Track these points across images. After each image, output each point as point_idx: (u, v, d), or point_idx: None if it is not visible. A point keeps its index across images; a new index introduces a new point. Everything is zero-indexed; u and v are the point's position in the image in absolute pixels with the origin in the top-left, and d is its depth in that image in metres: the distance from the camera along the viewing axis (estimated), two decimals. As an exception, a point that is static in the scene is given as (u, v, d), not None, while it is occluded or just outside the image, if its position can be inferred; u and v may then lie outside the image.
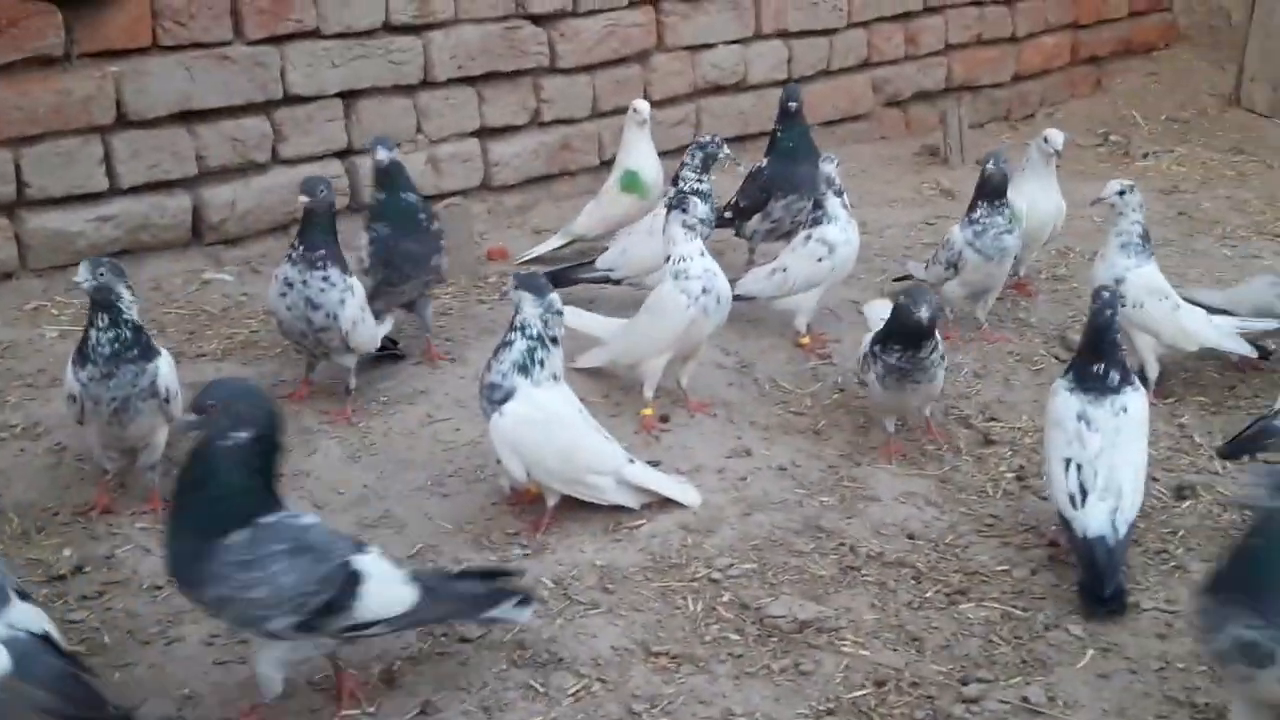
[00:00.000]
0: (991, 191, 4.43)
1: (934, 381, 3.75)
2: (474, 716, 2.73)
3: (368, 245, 4.18)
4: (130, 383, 3.25)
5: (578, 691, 2.81)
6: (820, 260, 4.38)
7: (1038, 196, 4.88)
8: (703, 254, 3.88)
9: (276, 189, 5.13)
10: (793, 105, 4.97)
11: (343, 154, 5.33)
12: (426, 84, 5.46)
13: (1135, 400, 3.35)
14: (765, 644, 2.99)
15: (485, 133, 5.67)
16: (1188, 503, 3.59)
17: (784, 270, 4.42)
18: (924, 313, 3.58)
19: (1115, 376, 3.34)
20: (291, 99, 5.13)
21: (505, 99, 5.68)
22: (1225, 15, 7.89)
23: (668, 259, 3.91)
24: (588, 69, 5.88)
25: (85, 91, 4.67)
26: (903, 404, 3.81)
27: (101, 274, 3.22)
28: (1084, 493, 3.18)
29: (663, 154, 6.04)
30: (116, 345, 3.24)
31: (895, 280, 4.90)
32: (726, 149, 4.64)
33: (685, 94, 6.16)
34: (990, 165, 4.44)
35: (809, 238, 4.42)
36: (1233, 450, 3.81)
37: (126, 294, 3.28)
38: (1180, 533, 3.45)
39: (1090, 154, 6.98)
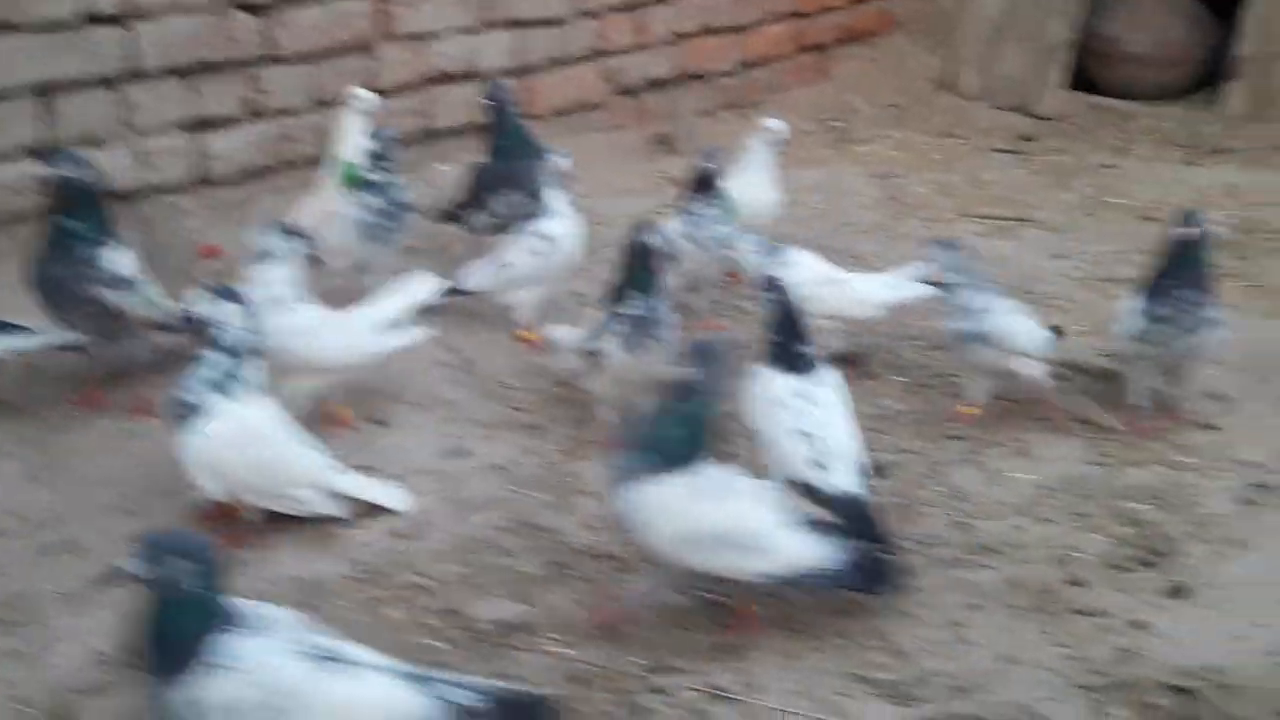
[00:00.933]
0: (703, 185, 4.56)
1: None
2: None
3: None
4: None
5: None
6: (540, 255, 4.42)
7: (754, 187, 5.05)
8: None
9: (-34, 189, 4.83)
10: (505, 98, 4.98)
11: (39, 153, 5.05)
12: (133, 76, 5.23)
13: (835, 378, 3.53)
14: (470, 649, 3.01)
15: (199, 125, 5.47)
16: (887, 481, 3.79)
17: (505, 264, 4.44)
18: (651, 237, 3.78)
19: (812, 357, 3.51)
20: (-20, 94, 4.83)
21: (220, 90, 5.49)
22: (937, 2, 8.29)
23: None
24: (308, 59, 5.74)
25: None
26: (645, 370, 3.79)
27: None
28: (823, 461, 3.31)
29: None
30: None
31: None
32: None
33: (414, 83, 6.09)
34: (704, 161, 4.58)
35: (530, 232, 4.45)
36: None
37: None
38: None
39: (813, 139, 7.25)
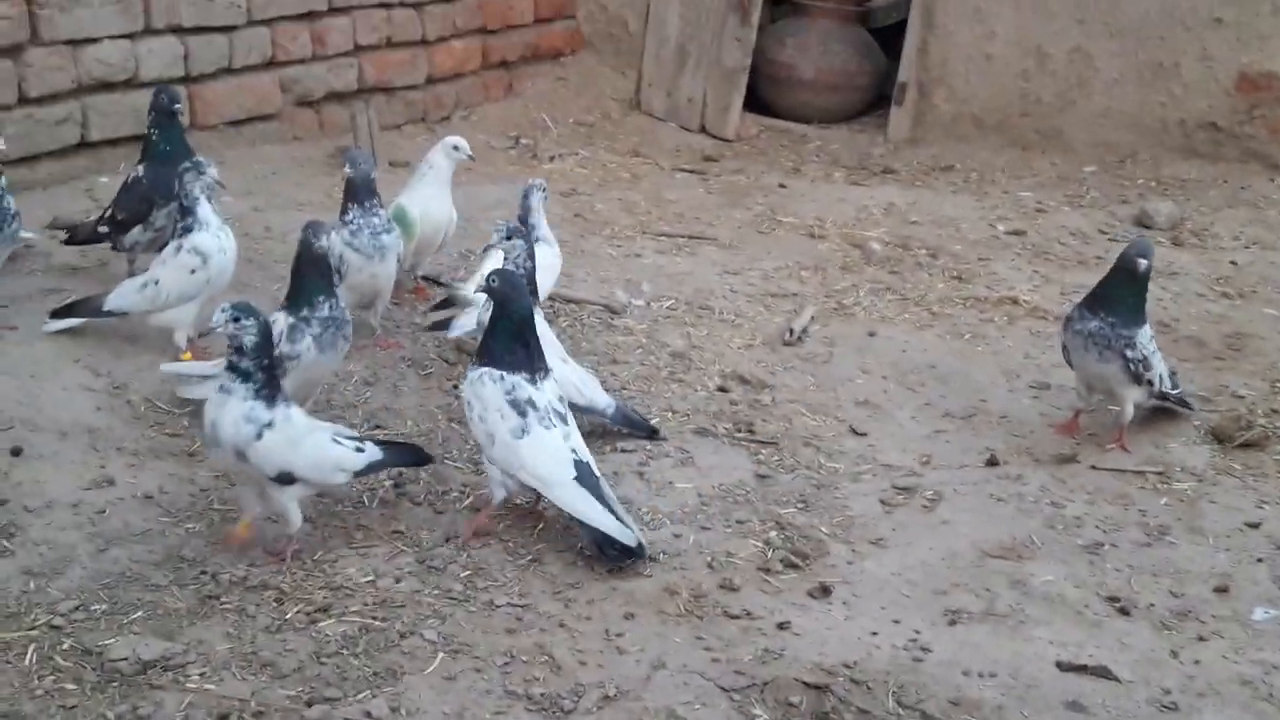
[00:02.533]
0: (359, 193, 4.50)
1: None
2: None
3: None
4: None
5: None
6: (194, 271, 4.22)
7: (431, 204, 5.01)
8: None
9: None
10: (178, 107, 4.77)
11: None
12: None
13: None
14: (104, 690, 2.85)
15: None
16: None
17: (155, 283, 4.22)
18: (319, 238, 3.81)
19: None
20: None
21: None
22: (624, 24, 8.47)
23: None
24: (-55, 61, 5.32)
25: None
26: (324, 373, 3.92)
27: None
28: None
29: (45, 155, 5.68)
30: None
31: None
32: None
33: (68, 91, 5.73)
34: (348, 168, 4.51)
35: (180, 248, 4.24)
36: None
37: None
38: (540, 526, 3.65)
39: (502, 156, 7.28)
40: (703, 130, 8.04)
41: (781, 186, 7.04)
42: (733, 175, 7.27)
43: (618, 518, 3.41)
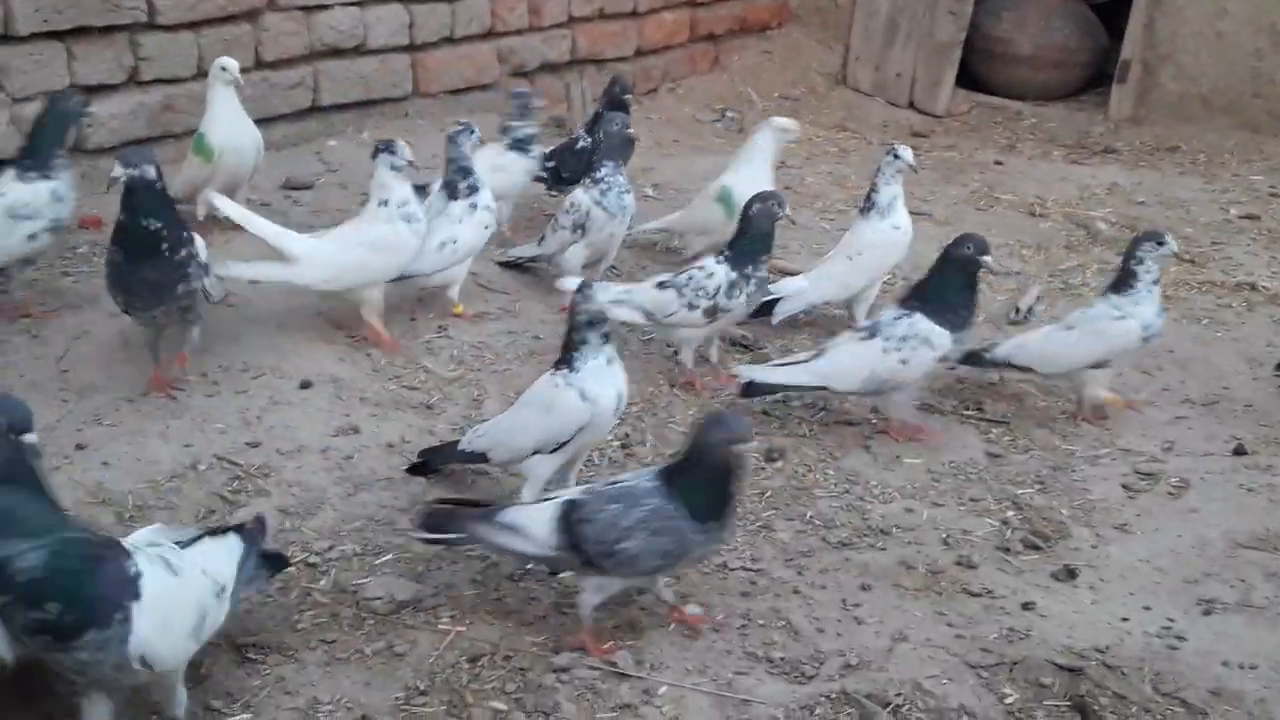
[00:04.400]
0: (614, 152, 4.57)
1: None
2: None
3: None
4: None
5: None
6: (486, 228, 4.48)
7: (752, 182, 4.82)
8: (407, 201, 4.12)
9: None
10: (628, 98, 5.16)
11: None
12: (7, 38, 5.00)
13: None
14: (360, 627, 2.94)
15: (77, 91, 5.24)
16: (777, 464, 3.79)
17: (454, 241, 4.36)
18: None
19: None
20: None
21: (98, 55, 5.28)
22: (832, -2, 8.37)
23: (382, 203, 4.10)
24: (192, 26, 5.55)
25: None
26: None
27: None
28: None
29: (279, 118, 5.87)
30: None
31: (504, 265, 4.94)
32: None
33: (301, 56, 5.93)
34: (611, 127, 4.56)
35: (475, 206, 4.42)
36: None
37: None
38: (768, 494, 3.63)
39: (708, 129, 7.26)
40: (910, 106, 7.88)
41: (997, 164, 6.86)
42: (945, 151, 7.10)
43: None
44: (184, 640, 2.44)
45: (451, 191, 4.42)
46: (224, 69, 4.88)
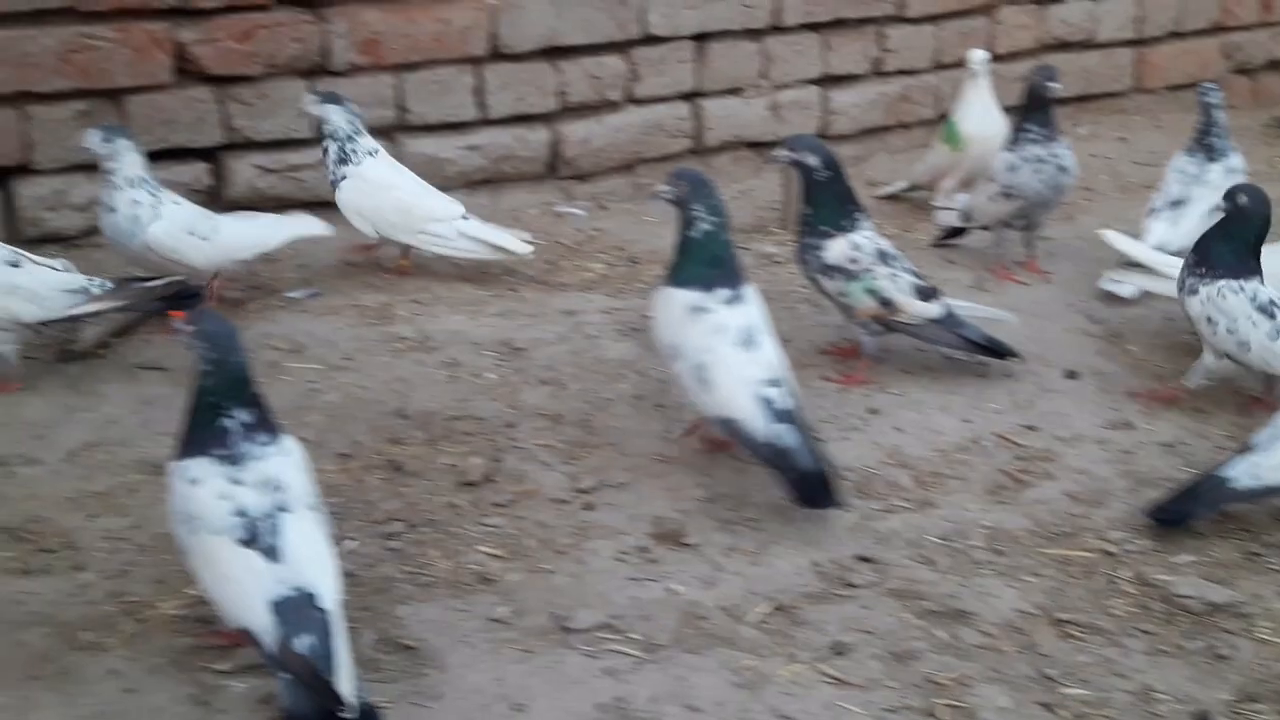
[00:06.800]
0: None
1: None
2: (884, 660, 2.75)
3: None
4: None
5: (986, 648, 2.80)
6: None
7: None
8: None
9: (627, 128, 5.24)
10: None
11: (689, 96, 5.39)
12: (775, 29, 5.46)
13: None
14: (1174, 623, 2.91)
15: (826, 81, 5.64)
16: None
17: None
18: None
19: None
20: (649, 39, 5.21)
21: (849, 47, 5.64)
22: None
23: None
24: (933, 19, 5.77)
25: (464, 22, 4.85)
26: None
27: None
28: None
29: (1005, 109, 5.94)
30: None
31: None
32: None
33: (1030, 49, 5.99)
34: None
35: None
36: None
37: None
38: None
39: None
40: None
41: None
42: None
43: None
44: None
45: None
46: (975, 60, 5.04)
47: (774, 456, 3.11)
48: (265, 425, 2.54)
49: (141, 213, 3.82)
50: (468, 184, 4.99)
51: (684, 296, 3.25)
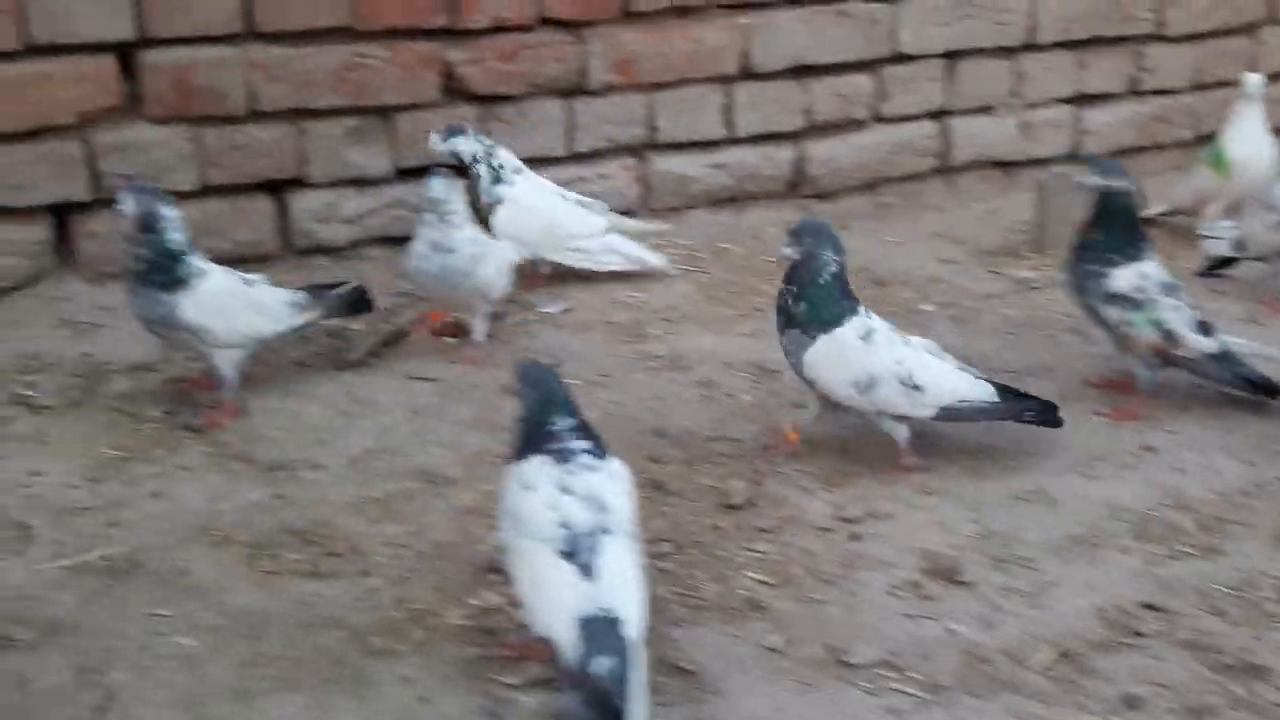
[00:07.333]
0: None
1: None
2: (1179, 715, 2.62)
3: None
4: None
5: (1286, 707, 2.65)
6: None
7: None
8: None
9: (873, 147, 5.18)
10: None
11: (936, 115, 5.29)
12: (1028, 47, 5.32)
13: None
14: None
15: (1079, 99, 5.47)
16: None
17: None
18: None
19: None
20: (898, 57, 5.14)
21: (1104, 66, 5.45)
22: None
23: None
24: (1193, 39, 5.54)
25: (717, 42, 4.86)
26: None
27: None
28: None
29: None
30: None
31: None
32: None
33: (1293, 69, 5.68)
34: None
35: None
36: None
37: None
38: None
39: None
40: None
41: None
42: None
43: None
44: None
45: None
46: (1251, 83, 4.81)
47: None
48: (595, 443, 2.61)
49: (478, 251, 3.91)
50: (712, 202, 5.00)
51: (847, 334, 3.38)
